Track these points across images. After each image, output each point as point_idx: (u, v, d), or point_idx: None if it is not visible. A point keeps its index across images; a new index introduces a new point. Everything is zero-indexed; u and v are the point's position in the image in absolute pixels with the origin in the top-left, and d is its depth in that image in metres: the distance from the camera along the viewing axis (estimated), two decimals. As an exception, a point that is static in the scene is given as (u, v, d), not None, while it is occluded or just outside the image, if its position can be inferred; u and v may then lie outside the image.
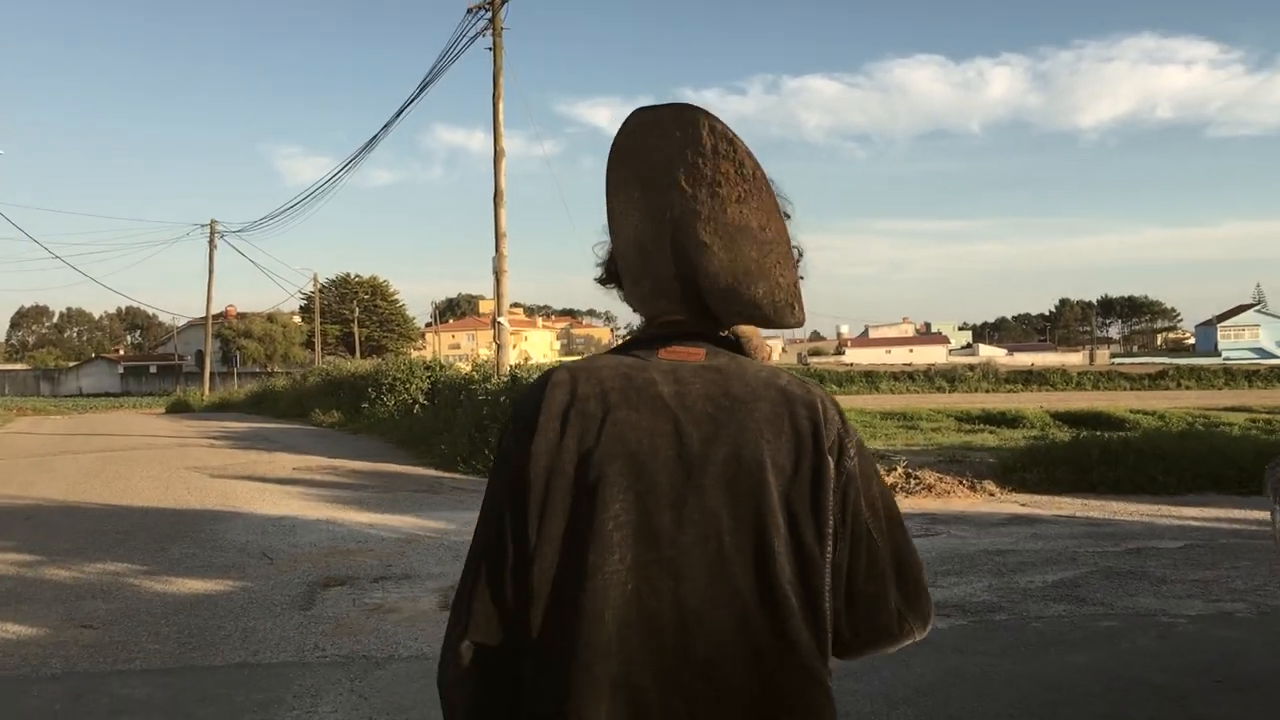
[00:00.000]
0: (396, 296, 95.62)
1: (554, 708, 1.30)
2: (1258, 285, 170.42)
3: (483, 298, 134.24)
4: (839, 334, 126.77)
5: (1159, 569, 7.90)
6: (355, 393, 25.96)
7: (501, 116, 17.41)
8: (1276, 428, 27.05)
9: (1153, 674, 5.40)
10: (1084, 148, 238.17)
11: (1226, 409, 39.79)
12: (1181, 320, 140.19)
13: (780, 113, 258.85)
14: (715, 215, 1.38)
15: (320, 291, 71.37)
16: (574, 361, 1.48)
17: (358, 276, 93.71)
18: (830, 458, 1.38)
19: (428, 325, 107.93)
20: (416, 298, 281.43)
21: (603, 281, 1.56)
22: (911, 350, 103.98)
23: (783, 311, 1.42)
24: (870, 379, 59.31)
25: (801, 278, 1.45)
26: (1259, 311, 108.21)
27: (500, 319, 16.85)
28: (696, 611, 1.30)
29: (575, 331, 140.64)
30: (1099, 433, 16.77)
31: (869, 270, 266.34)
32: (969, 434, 23.11)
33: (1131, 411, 33.25)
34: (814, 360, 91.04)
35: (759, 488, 1.34)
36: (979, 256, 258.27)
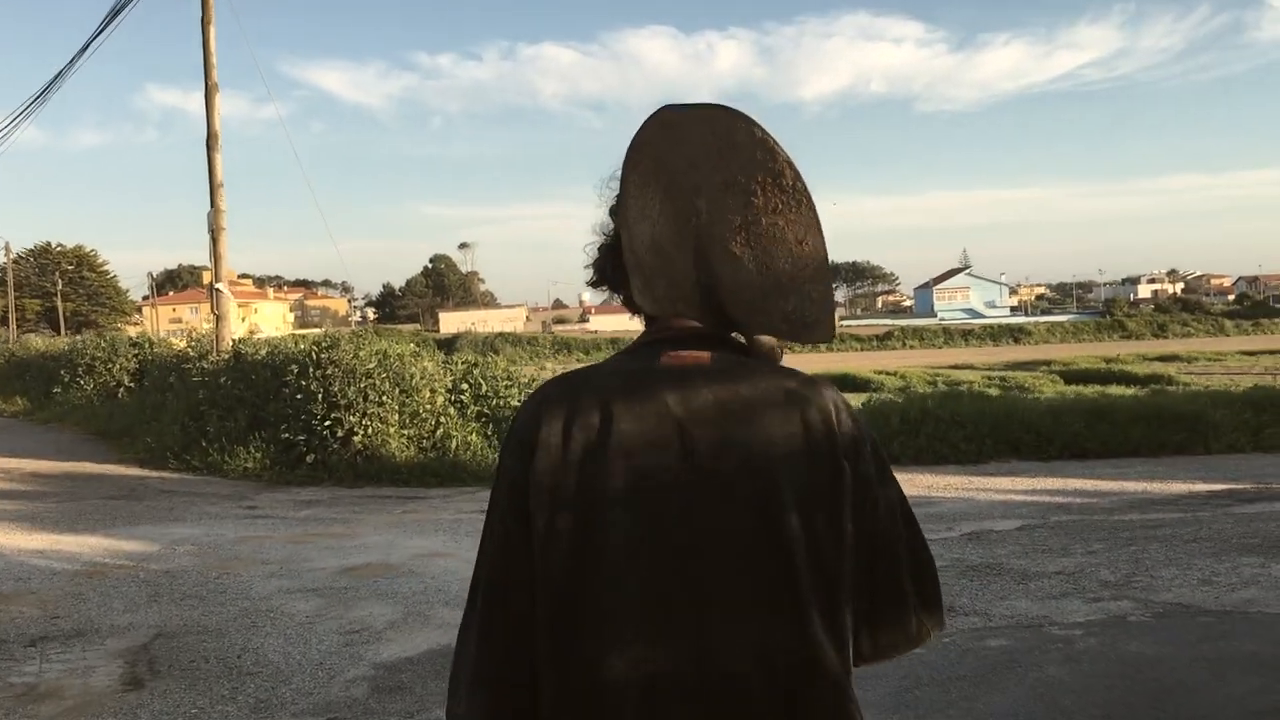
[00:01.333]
0: (107, 267, 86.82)
1: None
2: (964, 250, 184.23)
3: (206, 268, 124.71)
4: (582, 302, 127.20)
5: (1012, 559, 6.89)
6: (46, 376, 22.22)
7: (213, 44, 14.54)
8: (1014, 384, 28.33)
9: None
10: (807, 119, 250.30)
11: (953, 366, 42.14)
12: (900, 284, 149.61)
13: (517, 80, 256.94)
14: (748, 226, 1.32)
15: (15, 263, 63.53)
16: (574, 371, 1.40)
17: (60, 246, 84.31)
18: (846, 463, 1.30)
19: (145, 298, 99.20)
20: (133, 269, 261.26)
21: (595, 284, 1.46)
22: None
23: (812, 327, 1.35)
24: (616, 346, 58.91)
25: None
26: (969, 275, 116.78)
27: (219, 285, 14.13)
28: (716, 629, 1.24)
29: (310, 303, 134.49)
30: (888, 397, 16.22)
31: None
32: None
33: (875, 372, 34.33)
34: (559, 328, 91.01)
35: (773, 498, 1.26)
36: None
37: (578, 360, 49.70)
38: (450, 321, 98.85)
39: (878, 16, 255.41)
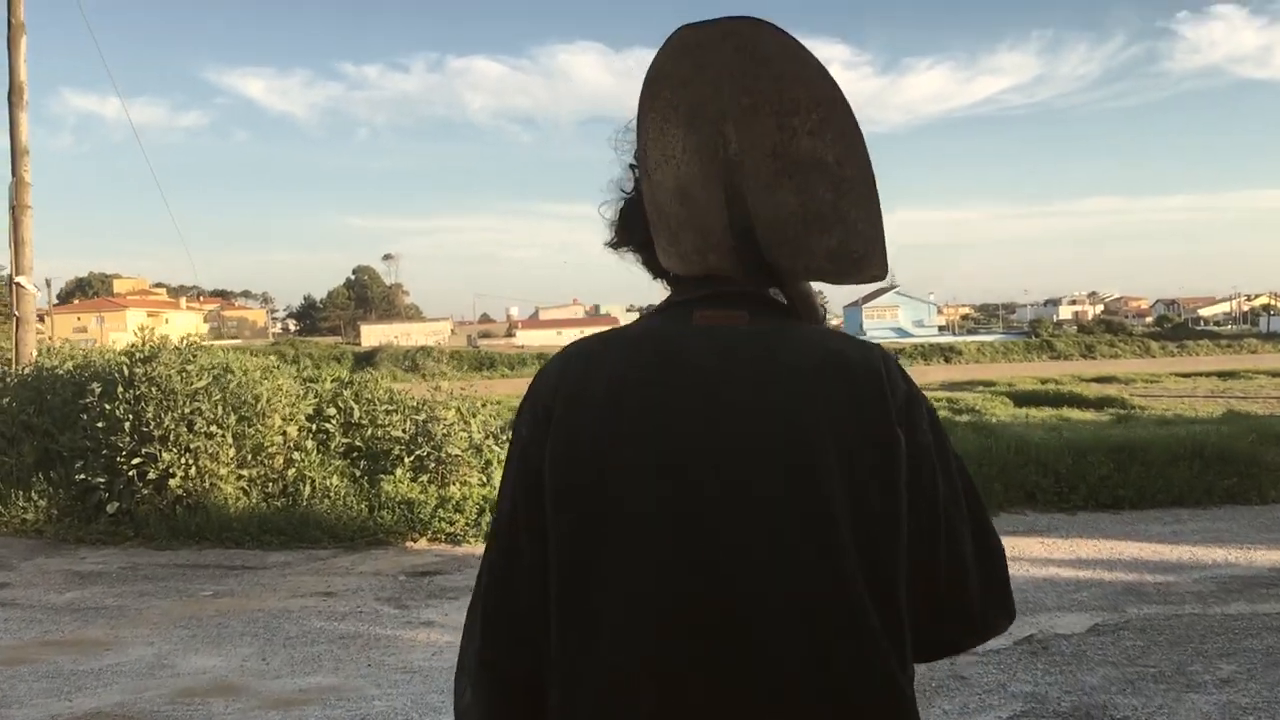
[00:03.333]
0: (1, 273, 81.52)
1: None
2: (891, 270, 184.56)
3: (119, 276, 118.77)
4: (509, 316, 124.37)
5: (1115, 696, 4.44)
6: None
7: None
8: (964, 406, 26.32)
9: None
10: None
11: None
12: (829, 302, 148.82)
13: (445, 93, 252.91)
14: (782, 150, 1.13)
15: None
16: (600, 332, 1.25)
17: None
18: (900, 431, 1.12)
19: (55, 305, 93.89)
20: (35, 275, 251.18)
21: (615, 245, 1.30)
22: (582, 331, 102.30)
23: (861, 264, 1.18)
24: (542, 360, 56.83)
25: None
26: (897, 294, 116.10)
27: (20, 279, 11.07)
28: (751, 617, 1.07)
29: (227, 314, 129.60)
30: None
31: (538, 253, 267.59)
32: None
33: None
34: (484, 342, 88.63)
35: (818, 471, 1.09)
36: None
37: (501, 375, 46.82)
38: (373, 334, 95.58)
39: (806, 38, 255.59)
